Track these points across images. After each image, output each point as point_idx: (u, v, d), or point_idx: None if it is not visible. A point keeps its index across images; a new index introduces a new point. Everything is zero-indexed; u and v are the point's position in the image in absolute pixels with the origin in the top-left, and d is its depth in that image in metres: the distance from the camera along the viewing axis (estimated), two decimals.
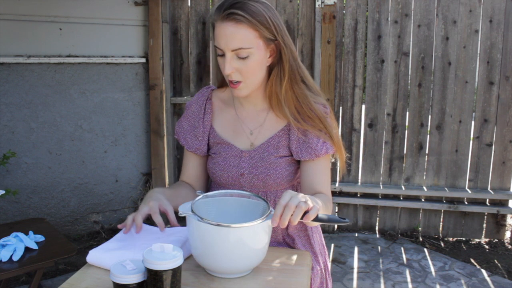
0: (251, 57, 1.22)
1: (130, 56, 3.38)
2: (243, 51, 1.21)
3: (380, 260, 3.05)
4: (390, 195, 3.48)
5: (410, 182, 3.46)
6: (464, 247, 3.31)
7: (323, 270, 1.42)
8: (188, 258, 1.16)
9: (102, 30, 3.27)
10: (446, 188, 3.39)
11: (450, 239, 3.45)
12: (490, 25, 3.20)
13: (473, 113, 3.32)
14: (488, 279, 2.81)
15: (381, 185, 3.48)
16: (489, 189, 3.37)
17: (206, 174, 1.48)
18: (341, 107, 3.45)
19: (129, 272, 0.94)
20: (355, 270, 2.92)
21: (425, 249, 3.23)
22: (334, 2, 3.27)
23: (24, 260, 1.91)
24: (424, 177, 3.44)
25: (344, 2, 3.38)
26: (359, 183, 3.51)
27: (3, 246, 1.94)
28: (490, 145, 3.32)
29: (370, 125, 3.43)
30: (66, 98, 3.22)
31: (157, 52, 3.38)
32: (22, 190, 3.15)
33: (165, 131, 3.50)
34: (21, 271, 1.88)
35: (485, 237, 3.42)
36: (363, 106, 3.44)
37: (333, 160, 1.38)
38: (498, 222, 3.39)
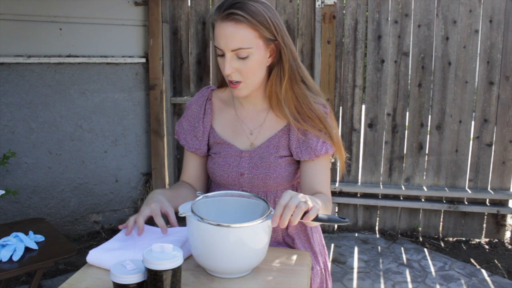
0: (251, 57, 1.22)
1: (130, 56, 3.38)
2: (243, 51, 1.21)
3: (380, 260, 3.05)
4: (390, 195, 3.48)
5: (410, 182, 3.46)
6: (464, 247, 3.31)
7: (323, 270, 1.42)
8: (188, 258, 1.16)
9: (102, 30, 3.27)
10: (446, 188, 3.39)
11: (450, 239, 3.45)
12: (490, 25, 3.20)
13: (473, 113, 3.33)
14: (488, 279, 2.81)
15: (381, 185, 3.48)
16: (489, 189, 3.37)
17: (207, 174, 1.48)
18: (341, 107, 3.45)
19: (129, 272, 0.94)
20: (355, 270, 2.92)
21: (425, 249, 3.23)
22: (334, 2, 3.27)
23: (24, 260, 1.91)
24: (424, 177, 3.44)
25: (344, 2, 3.38)
26: (359, 183, 3.51)
27: (3, 246, 1.94)
28: (490, 145, 3.32)
29: (370, 125, 3.43)
30: (66, 98, 3.22)
31: (157, 52, 3.38)
32: (22, 190, 3.15)
33: (165, 131, 3.50)
34: (21, 271, 1.88)
35: (485, 237, 3.42)
36: (363, 106, 3.44)
37: (333, 160, 1.38)
38: (498, 222, 3.39)
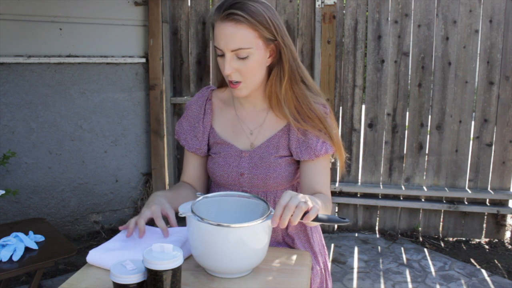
0: (251, 57, 1.22)
1: (130, 56, 3.38)
2: (242, 51, 1.21)
3: (380, 260, 3.05)
4: (390, 195, 3.48)
5: (410, 182, 3.46)
6: (464, 247, 3.31)
7: (323, 270, 1.42)
8: (188, 258, 1.16)
9: (102, 30, 3.27)
10: (446, 188, 3.39)
11: (450, 239, 3.45)
12: (490, 25, 3.20)
13: (473, 113, 3.33)
14: (488, 279, 2.81)
15: (381, 185, 3.48)
16: (489, 189, 3.37)
17: (207, 175, 1.48)
18: (341, 107, 3.45)
19: (129, 272, 0.94)
20: (355, 270, 2.92)
21: (425, 249, 3.23)
22: (334, 2, 3.27)
23: (24, 260, 1.91)
24: (424, 177, 3.44)
25: (344, 2, 3.38)
26: (359, 183, 3.51)
27: (3, 246, 1.94)
28: (490, 145, 3.32)
29: (370, 125, 3.43)
30: (66, 98, 3.22)
31: (157, 52, 3.38)
32: (22, 190, 3.15)
33: (165, 131, 3.50)
34: (21, 271, 1.88)
35: (485, 237, 3.42)
36: (363, 106, 3.44)
37: (332, 160, 1.38)
38: (498, 222, 3.39)
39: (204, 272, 1.10)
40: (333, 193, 3.46)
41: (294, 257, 1.21)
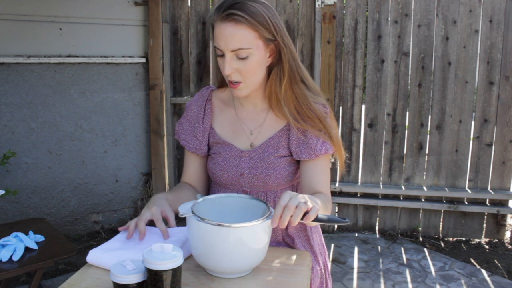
0: (251, 57, 1.22)
1: (130, 56, 3.38)
2: (242, 51, 1.21)
3: (380, 260, 3.05)
4: (390, 195, 3.48)
5: (410, 182, 3.46)
6: (464, 247, 3.31)
7: (323, 270, 1.42)
8: (188, 258, 1.16)
9: (102, 30, 3.27)
10: (446, 188, 3.39)
11: (450, 239, 3.45)
12: (490, 25, 3.20)
13: (473, 113, 3.33)
14: (488, 279, 2.81)
15: (381, 185, 3.48)
16: (489, 189, 3.37)
17: (207, 175, 1.48)
18: (341, 107, 3.45)
19: (129, 272, 0.94)
20: (355, 270, 2.92)
21: (425, 249, 3.23)
22: (334, 2, 3.27)
23: (24, 260, 1.91)
24: (424, 177, 3.44)
25: (344, 2, 3.38)
26: (359, 183, 3.51)
27: (3, 246, 1.94)
28: (490, 145, 3.32)
29: (370, 125, 3.43)
30: (66, 98, 3.22)
31: (157, 52, 3.38)
32: (22, 190, 3.15)
33: (165, 131, 3.50)
34: (21, 271, 1.88)
35: (485, 237, 3.42)
36: (363, 106, 3.44)
37: (332, 160, 1.38)
38: (498, 222, 3.39)
39: (204, 272, 1.10)
40: (333, 193, 3.46)
41: (294, 257, 1.21)
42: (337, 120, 3.45)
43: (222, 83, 1.42)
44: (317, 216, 1.05)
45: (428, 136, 3.39)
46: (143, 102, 3.49)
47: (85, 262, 1.14)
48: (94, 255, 1.12)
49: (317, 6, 3.28)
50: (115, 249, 1.14)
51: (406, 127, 3.42)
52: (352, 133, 3.45)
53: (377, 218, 3.55)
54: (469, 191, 3.34)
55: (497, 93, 3.26)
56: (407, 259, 3.07)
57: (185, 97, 3.51)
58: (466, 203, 3.39)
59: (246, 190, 1.36)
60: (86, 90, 3.28)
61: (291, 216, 1.02)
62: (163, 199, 1.24)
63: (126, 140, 3.47)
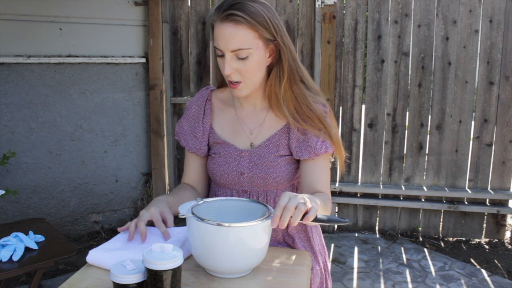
0: (251, 57, 1.22)
1: (130, 56, 3.38)
2: (242, 51, 1.21)
3: (380, 260, 3.05)
4: (390, 195, 3.48)
5: (410, 182, 3.46)
6: (464, 247, 3.31)
7: (323, 270, 1.42)
8: (188, 258, 1.16)
9: (102, 30, 3.27)
10: (446, 188, 3.39)
11: (450, 239, 3.45)
12: (490, 25, 3.20)
13: (473, 113, 3.33)
14: (488, 279, 2.81)
15: (381, 185, 3.48)
16: (489, 189, 3.37)
17: (208, 175, 1.48)
18: (341, 107, 3.45)
19: (129, 272, 0.94)
20: (355, 270, 2.92)
21: (425, 249, 3.23)
22: (334, 2, 3.27)
23: (24, 260, 1.91)
24: (424, 177, 3.44)
25: (344, 2, 3.38)
26: (359, 183, 3.51)
27: (3, 246, 1.94)
28: (490, 145, 3.32)
29: (370, 125, 3.43)
30: (66, 98, 3.22)
31: (157, 52, 3.38)
32: (22, 190, 3.15)
33: (165, 131, 3.50)
34: (21, 271, 1.88)
35: (485, 237, 3.42)
36: (363, 106, 3.44)
37: (332, 159, 1.38)
38: (498, 222, 3.39)
39: (204, 272, 1.10)
40: (333, 193, 3.46)
41: (294, 257, 1.21)
42: (337, 120, 3.45)
43: (222, 83, 1.42)
44: (317, 216, 1.05)
45: (428, 136, 3.39)
46: (143, 102, 3.49)
47: (85, 262, 1.14)
48: (94, 255, 1.12)
49: (317, 6, 3.28)
50: (115, 249, 1.14)
51: (406, 127, 3.42)
52: (352, 133, 3.45)
53: (377, 218, 3.55)
54: (469, 191, 3.34)
55: (497, 93, 3.26)
56: (407, 259, 3.07)
57: (185, 97, 3.51)
58: (466, 203, 3.39)
59: (246, 190, 1.36)
60: (86, 90, 3.28)
61: (291, 216, 1.03)
62: (163, 201, 1.25)
63: (126, 140, 3.47)
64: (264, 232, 1.06)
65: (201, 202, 1.14)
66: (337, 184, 3.46)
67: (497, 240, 3.39)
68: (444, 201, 3.41)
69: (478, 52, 3.25)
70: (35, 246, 2.02)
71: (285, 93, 1.30)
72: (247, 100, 1.37)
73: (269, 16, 1.22)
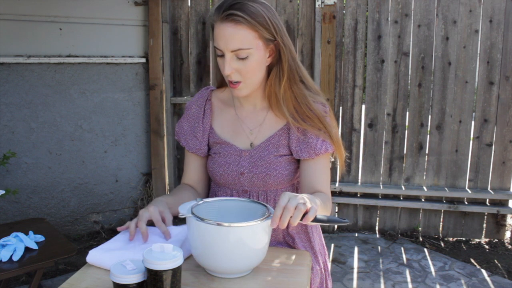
0: (251, 57, 1.22)
1: (130, 56, 3.38)
2: (242, 51, 1.21)
3: (380, 260, 3.05)
4: (390, 195, 3.48)
5: (410, 182, 3.46)
6: (464, 247, 3.31)
7: (323, 270, 1.42)
8: (188, 258, 1.16)
9: (102, 30, 3.27)
10: (446, 188, 3.39)
11: (450, 239, 3.45)
12: (490, 25, 3.20)
13: (473, 113, 3.33)
14: (488, 279, 2.81)
15: (381, 185, 3.48)
16: (489, 189, 3.37)
17: (208, 176, 1.48)
18: (341, 107, 3.45)
19: (129, 272, 0.94)
20: (355, 270, 2.92)
21: (425, 249, 3.23)
22: (334, 2, 3.27)
23: (24, 260, 1.91)
24: (424, 177, 3.44)
25: (344, 2, 3.38)
26: (359, 183, 3.51)
27: (3, 246, 1.94)
28: (490, 145, 3.32)
29: (370, 125, 3.43)
30: (66, 98, 3.22)
31: (157, 52, 3.38)
32: (22, 190, 3.15)
33: (165, 131, 3.50)
34: (21, 271, 1.88)
35: (485, 237, 3.42)
36: (363, 106, 3.44)
37: (332, 159, 1.38)
38: (498, 222, 3.39)
39: (204, 272, 1.10)
40: (333, 193, 3.46)
41: (294, 257, 1.21)
42: (337, 120, 3.45)
43: (222, 83, 1.42)
44: (316, 216, 1.05)
45: (428, 136, 3.39)
46: (143, 102, 3.49)
47: (85, 262, 1.14)
48: (94, 255, 1.12)
49: (317, 6, 3.28)
50: (115, 249, 1.14)
51: (406, 127, 3.42)
52: (352, 133, 3.45)
53: (377, 218, 3.55)
54: (469, 191, 3.34)
55: (497, 93, 3.26)
56: (407, 259, 3.07)
57: (185, 97, 3.51)
58: (466, 203, 3.39)
59: (247, 190, 1.36)
60: (86, 90, 3.28)
61: (291, 217, 1.03)
62: (162, 202, 1.25)
63: (126, 140, 3.47)
64: (264, 232, 1.06)
65: (201, 202, 1.14)
66: (337, 184, 3.46)
67: (497, 240, 3.39)
68: (444, 201, 3.41)
69: (478, 52, 3.25)
70: (35, 246, 2.02)
71: (284, 93, 1.30)
72: (247, 100, 1.37)
73: (269, 16, 1.22)
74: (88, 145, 3.34)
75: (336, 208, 3.56)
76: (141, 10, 3.38)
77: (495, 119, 3.29)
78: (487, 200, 3.38)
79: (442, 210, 3.43)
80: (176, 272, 0.94)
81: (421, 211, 3.47)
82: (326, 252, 1.50)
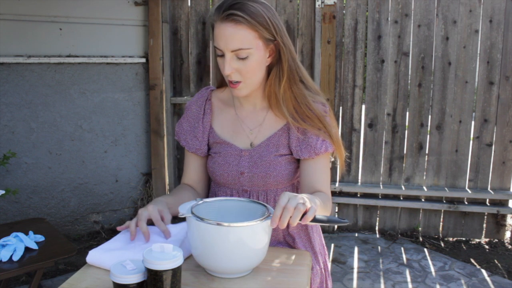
0: (251, 57, 1.22)
1: (130, 56, 3.38)
2: (242, 51, 1.21)
3: (380, 260, 3.05)
4: (390, 195, 3.48)
5: (410, 182, 3.46)
6: (464, 247, 3.31)
7: (323, 270, 1.42)
8: (188, 258, 1.16)
9: (102, 30, 3.27)
10: (446, 188, 3.39)
11: (450, 239, 3.45)
12: (490, 25, 3.20)
13: (473, 113, 3.33)
14: (488, 279, 2.81)
15: (381, 185, 3.48)
16: (489, 189, 3.37)
17: (208, 176, 1.48)
18: (341, 107, 3.45)
19: (129, 272, 0.94)
20: (355, 270, 2.92)
21: (425, 249, 3.23)
22: (334, 2, 3.27)
23: (24, 260, 1.91)
24: (424, 177, 3.44)
25: (344, 2, 3.38)
26: (359, 183, 3.51)
27: (3, 246, 1.94)
28: (490, 145, 3.32)
29: (370, 125, 3.43)
30: (66, 98, 3.22)
31: (157, 52, 3.38)
32: (22, 190, 3.15)
33: (165, 131, 3.50)
34: (21, 271, 1.88)
35: (485, 237, 3.42)
36: (363, 106, 3.44)
37: (332, 159, 1.38)
38: (498, 222, 3.39)
39: (204, 272, 1.10)
40: (333, 193, 3.46)
41: (294, 257, 1.21)
42: (337, 120, 3.45)
43: (222, 83, 1.42)
44: (316, 216, 1.05)
45: (428, 136, 3.39)
46: (143, 102, 3.49)
47: (85, 262, 1.14)
48: (94, 256, 1.12)
49: (317, 6, 3.28)
50: (115, 249, 1.14)
51: (406, 127, 3.42)
52: (352, 133, 3.45)
53: (377, 218, 3.55)
54: (469, 191, 3.34)
55: (497, 93, 3.26)
56: (407, 259, 3.07)
57: (185, 97, 3.51)
58: (466, 203, 3.39)
59: (247, 189, 1.36)
60: (86, 90, 3.28)
61: (290, 217, 1.03)
62: (161, 201, 1.25)
63: (126, 140, 3.47)
64: (264, 232, 1.06)
65: (201, 202, 1.14)
66: (337, 184, 3.46)
67: (497, 240, 3.39)
68: (444, 201, 3.41)
69: (478, 52, 3.25)
70: (35, 246, 2.02)
71: (284, 93, 1.30)
72: (247, 99, 1.37)
73: (269, 16, 1.22)
74: (88, 145, 3.34)
75: (336, 208, 3.56)
76: (141, 10, 3.38)
77: (495, 119, 3.29)
78: (487, 200, 3.38)
79: (442, 210, 3.43)
80: (176, 272, 0.94)
81: (421, 211, 3.47)
82: (326, 252, 1.50)
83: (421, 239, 3.42)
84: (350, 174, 3.52)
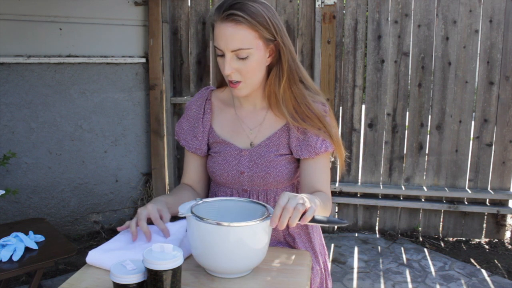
0: (251, 57, 1.22)
1: (130, 56, 3.38)
2: (242, 51, 1.21)
3: (380, 260, 3.05)
4: (390, 195, 3.48)
5: (410, 182, 3.46)
6: (464, 247, 3.31)
7: (323, 270, 1.42)
8: (188, 258, 1.16)
9: (102, 30, 3.27)
10: (446, 188, 3.39)
11: (450, 239, 3.45)
12: (490, 25, 3.20)
13: (473, 113, 3.33)
14: (488, 279, 2.81)
15: (381, 185, 3.48)
16: (489, 189, 3.37)
17: (208, 176, 1.48)
18: (341, 107, 3.45)
19: (129, 272, 0.94)
20: (355, 270, 2.92)
21: (425, 249, 3.23)
22: (334, 2, 3.27)
23: (24, 260, 1.91)
24: (424, 177, 3.44)
25: (344, 2, 3.38)
26: (359, 183, 3.51)
27: (3, 246, 1.94)
28: (490, 145, 3.32)
29: (370, 125, 3.43)
30: (66, 98, 3.22)
31: (157, 52, 3.38)
32: (22, 190, 3.15)
33: (165, 131, 3.50)
34: (21, 271, 1.88)
35: (485, 237, 3.42)
36: (363, 106, 3.44)
37: (332, 159, 1.38)
38: (498, 222, 3.39)
39: (204, 272, 1.10)
40: (333, 193, 3.46)
41: (294, 257, 1.21)
42: (337, 120, 3.45)
43: (222, 83, 1.42)
44: (316, 217, 1.05)
45: (428, 136, 3.39)
46: (143, 102, 3.49)
47: (85, 262, 1.14)
48: (94, 256, 1.12)
49: (317, 6, 3.28)
50: (115, 249, 1.14)
51: (406, 127, 3.42)
52: (352, 133, 3.45)
53: (377, 218, 3.55)
54: (469, 191, 3.34)
55: (497, 93, 3.26)
56: (407, 259, 3.07)
57: (185, 97, 3.51)
58: (466, 203, 3.39)
59: (247, 189, 1.36)
60: (86, 90, 3.28)
61: (290, 217, 1.02)
62: (161, 201, 1.25)
63: (126, 140, 3.47)
64: (264, 232, 1.06)
65: (201, 202, 1.14)
66: (337, 184, 3.46)
67: (497, 240, 3.39)
68: (444, 201, 3.41)
69: (478, 52, 3.25)
70: (35, 246, 2.02)
71: (284, 93, 1.30)
72: (247, 99, 1.37)
73: (269, 16, 1.22)
74: (88, 145, 3.34)
75: (336, 208, 3.56)
76: (141, 10, 3.38)
77: (495, 119, 3.29)
78: (487, 200, 3.38)
79: (442, 210, 3.43)
80: (176, 272, 0.94)
81: (421, 211, 3.47)
82: (326, 252, 1.50)
83: (421, 239, 3.42)
84: (350, 174, 3.52)
